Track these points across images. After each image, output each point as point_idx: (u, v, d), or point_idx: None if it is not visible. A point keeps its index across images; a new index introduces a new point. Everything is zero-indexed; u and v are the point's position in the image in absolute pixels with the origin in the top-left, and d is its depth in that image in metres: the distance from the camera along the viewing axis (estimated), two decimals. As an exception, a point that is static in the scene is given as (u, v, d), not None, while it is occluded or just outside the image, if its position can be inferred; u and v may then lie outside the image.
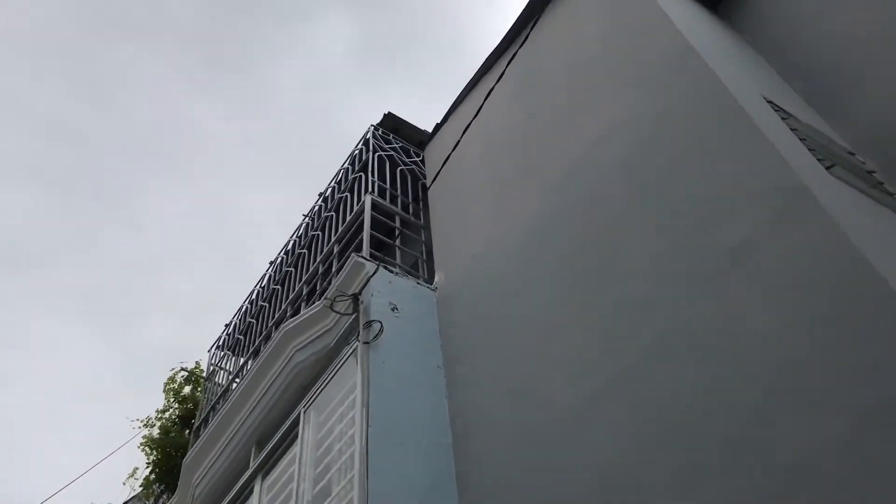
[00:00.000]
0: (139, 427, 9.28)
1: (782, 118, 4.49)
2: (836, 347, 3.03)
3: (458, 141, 6.44)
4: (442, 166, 6.79)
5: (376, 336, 5.22)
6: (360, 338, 5.26)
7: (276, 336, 6.22)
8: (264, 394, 6.21)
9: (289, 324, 6.12)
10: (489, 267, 5.61)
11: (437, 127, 7.79)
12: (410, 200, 7.28)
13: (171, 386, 9.61)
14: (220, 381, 8.63)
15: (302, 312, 6.15)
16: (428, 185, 7.24)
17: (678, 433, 3.49)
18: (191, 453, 6.89)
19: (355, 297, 5.58)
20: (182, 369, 9.68)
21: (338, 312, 5.61)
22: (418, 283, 6.02)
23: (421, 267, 6.60)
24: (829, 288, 3.17)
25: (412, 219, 6.98)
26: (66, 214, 25.80)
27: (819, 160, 4.10)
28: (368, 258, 5.92)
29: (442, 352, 5.51)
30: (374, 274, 5.63)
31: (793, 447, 2.96)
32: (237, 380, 8.01)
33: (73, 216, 26.14)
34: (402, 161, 7.65)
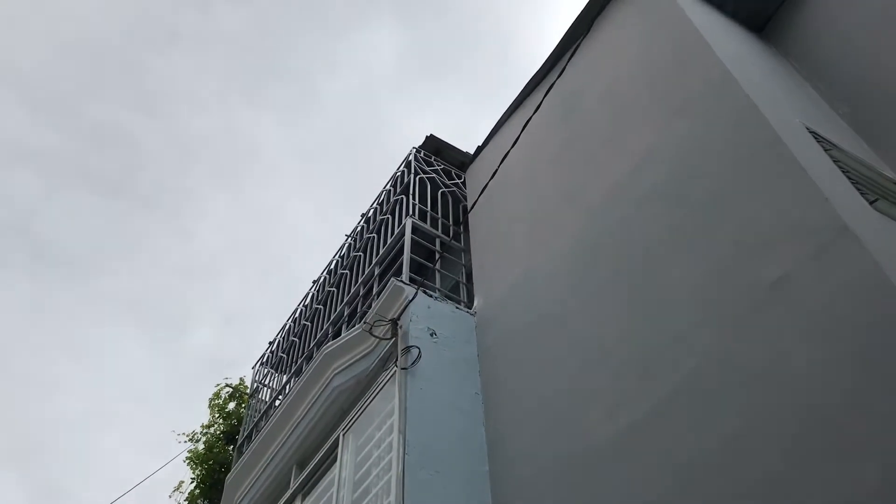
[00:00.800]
0: (185, 441, 9.49)
1: (825, 149, 4.42)
2: (874, 390, 2.97)
3: (498, 166, 6.47)
4: (483, 190, 6.82)
5: (414, 362, 5.27)
6: (398, 363, 5.31)
7: (316, 358, 6.31)
8: (304, 415, 6.30)
9: (329, 346, 6.20)
10: (528, 293, 5.62)
11: (479, 149, 7.84)
12: (451, 223, 7.33)
13: (217, 402, 9.80)
14: (263, 398, 8.78)
15: (342, 335, 6.23)
16: (469, 208, 7.29)
17: (713, 469, 3.46)
18: (234, 471, 7.02)
19: (394, 322, 5.63)
20: (227, 385, 9.88)
21: (377, 337, 5.68)
22: (457, 308, 6.05)
23: (461, 290, 6.63)
24: (868, 328, 3.11)
25: (452, 242, 7.02)
26: (118, 221, 26.43)
27: (862, 194, 4.03)
28: (408, 282, 5.98)
29: (480, 378, 5.54)
30: (413, 299, 5.68)
31: (827, 490, 2.92)
32: (280, 398, 8.14)
33: (124, 223, 26.77)
34: (444, 183, 7.70)
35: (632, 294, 4.56)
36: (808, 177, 3.77)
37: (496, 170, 6.39)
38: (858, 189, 4.07)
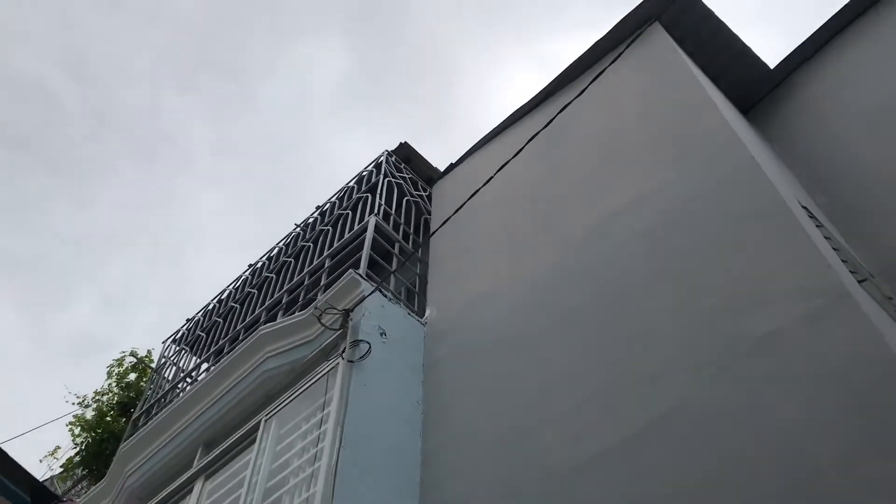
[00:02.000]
0: (74, 404, 8.78)
1: (817, 225, 4.50)
2: (865, 452, 2.94)
3: (470, 196, 6.36)
4: (454, 211, 6.69)
5: (363, 357, 5.02)
6: (344, 355, 5.04)
7: (250, 338, 5.96)
8: (224, 394, 5.92)
9: (267, 327, 5.87)
10: (488, 312, 5.47)
11: (451, 167, 7.74)
12: (412, 231, 7.14)
13: (117, 370, 9.15)
14: (167, 377, 8.26)
15: (283, 318, 5.92)
16: (432, 225, 7.13)
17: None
18: (128, 443, 6.50)
19: (346, 313, 5.38)
20: (132, 355, 9.24)
21: (325, 326, 5.40)
22: (409, 314, 5.84)
23: (414, 299, 6.43)
24: (862, 389, 3.10)
25: (411, 249, 6.84)
26: (16, 176, 24.89)
27: (852, 272, 4.09)
28: (365, 277, 5.75)
29: (423, 388, 5.32)
30: (369, 294, 5.45)
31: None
32: (188, 379, 7.66)
33: (23, 179, 25.22)
34: (410, 192, 7.54)
35: (605, 328, 4.47)
36: (811, 241, 3.80)
37: (466, 200, 6.27)
38: (847, 267, 4.13)
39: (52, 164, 25.73)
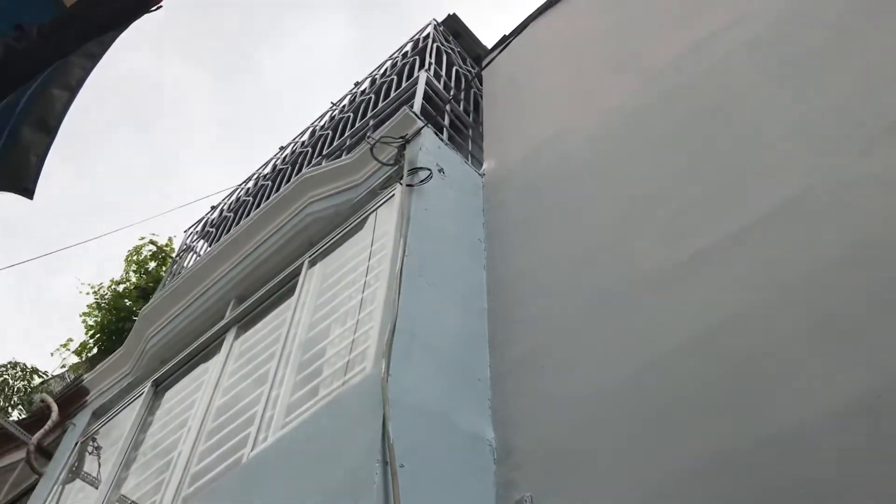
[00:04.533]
0: (87, 293, 8.23)
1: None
2: None
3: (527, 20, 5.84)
4: (509, 39, 6.16)
5: (423, 181, 4.50)
6: (402, 181, 4.53)
7: (292, 182, 5.45)
8: (261, 244, 5.41)
9: (311, 171, 5.37)
10: (556, 153, 4.93)
11: (504, 40, 7.17)
12: (462, 99, 6.59)
13: (135, 257, 8.61)
14: (187, 265, 7.75)
15: (327, 164, 5.41)
16: (485, 105, 6.57)
17: (810, 293, 2.83)
18: (152, 303, 6.01)
19: (403, 145, 4.85)
20: (151, 241, 8.70)
21: (378, 160, 4.88)
22: (467, 162, 5.33)
23: (467, 157, 5.90)
24: None
25: (463, 115, 6.28)
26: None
27: None
28: (420, 116, 5.22)
29: (484, 230, 4.80)
30: (425, 126, 4.93)
31: None
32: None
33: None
34: (460, 64, 7.00)
35: (709, 140, 3.93)
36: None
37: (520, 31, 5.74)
38: None
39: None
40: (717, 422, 2.74)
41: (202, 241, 7.85)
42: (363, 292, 4.16)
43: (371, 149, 4.88)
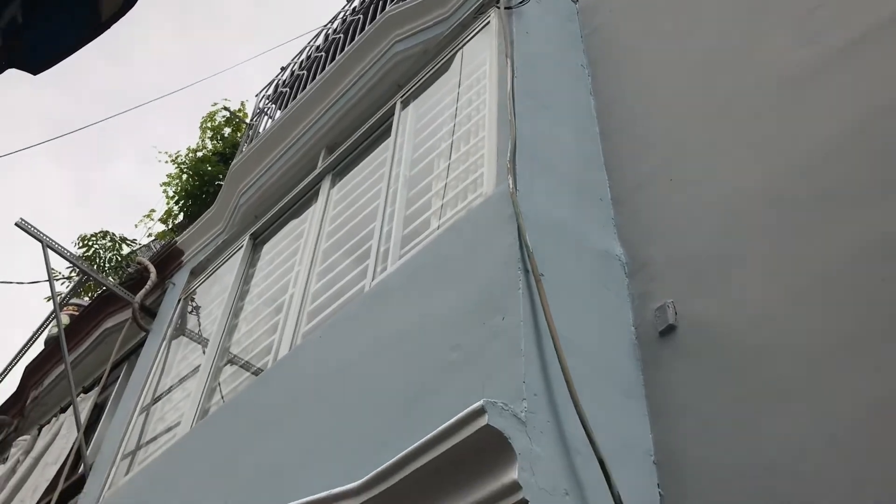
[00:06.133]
0: (166, 162, 8.25)
1: None
2: None
3: None
4: None
5: (522, 2, 4.25)
6: (500, 4, 4.29)
7: (374, 23, 5.23)
8: (348, 89, 5.26)
9: (393, 8, 5.13)
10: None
11: None
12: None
13: (209, 124, 8.57)
14: (262, 131, 7.66)
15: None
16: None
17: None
18: (240, 158, 5.98)
19: (493, -31, 4.56)
20: (224, 108, 8.64)
21: (467, -11, 4.62)
22: (557, -10, 5.02)
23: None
24: None
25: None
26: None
27: None
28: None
29: (586, 56, 4.56)
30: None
31: None
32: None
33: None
34: None
35: None
36: None
37: None
38: None
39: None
40: (870, 211, 2.60)
41: (274, 105, 7.72)
42: (468, 123, 4.03)
43: (460, -24, 4.60)
